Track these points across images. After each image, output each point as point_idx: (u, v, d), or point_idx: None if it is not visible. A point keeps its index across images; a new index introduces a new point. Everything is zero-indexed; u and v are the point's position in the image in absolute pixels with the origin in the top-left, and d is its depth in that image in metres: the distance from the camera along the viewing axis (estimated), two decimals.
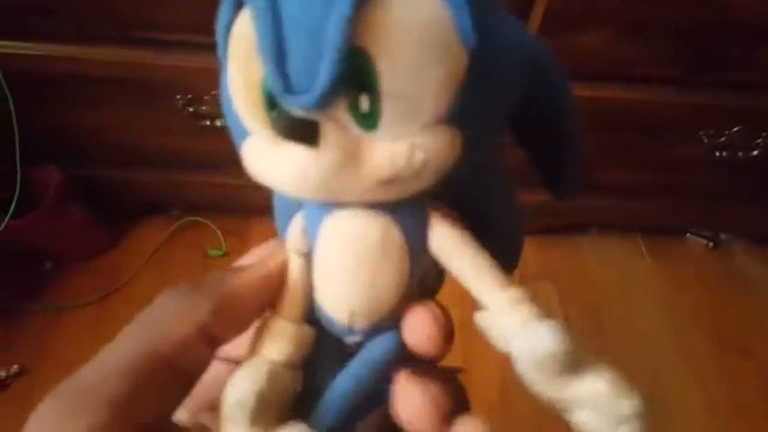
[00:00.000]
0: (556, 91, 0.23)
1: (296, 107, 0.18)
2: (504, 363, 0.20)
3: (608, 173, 1.01)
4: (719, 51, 0.79)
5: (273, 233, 0.27)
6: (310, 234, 0.23)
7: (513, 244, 0.28)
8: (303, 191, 0.20)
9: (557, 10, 0.73)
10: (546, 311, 0.21)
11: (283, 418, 0.21)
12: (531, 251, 1.17)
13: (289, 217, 0.24)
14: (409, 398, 0.22)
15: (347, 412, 0.23)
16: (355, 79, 0.17)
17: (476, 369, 0.92)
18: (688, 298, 1.13)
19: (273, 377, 0.21)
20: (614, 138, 0.93)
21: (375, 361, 0.23)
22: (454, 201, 0.23)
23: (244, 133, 0.22)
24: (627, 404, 0.20)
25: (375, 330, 0.23)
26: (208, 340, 0.21)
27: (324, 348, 0.24)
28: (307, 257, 0.23)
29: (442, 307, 0.23)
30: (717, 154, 0.91)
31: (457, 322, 0.23)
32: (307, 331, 0.23)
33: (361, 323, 0.23)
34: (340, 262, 0.22)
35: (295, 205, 0.24)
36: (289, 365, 0.22)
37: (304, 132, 0.18)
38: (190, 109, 0.86)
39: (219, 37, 0.20)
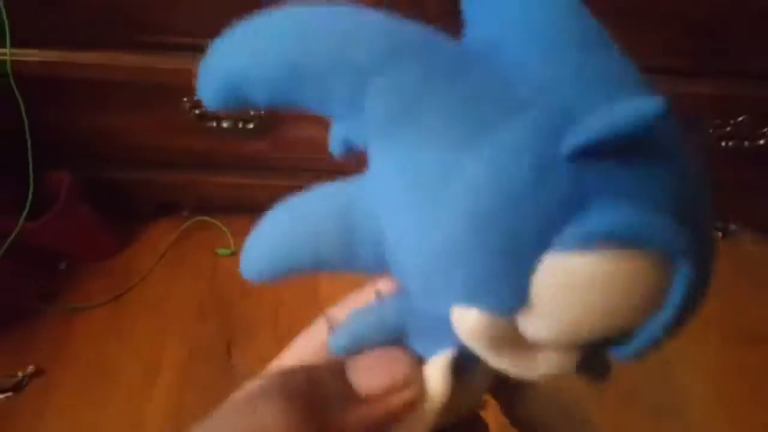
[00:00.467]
0: None
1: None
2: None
3: None
4: (722, 40, 0.78)
5: None
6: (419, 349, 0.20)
7: None
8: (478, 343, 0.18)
9: None
10: None
11: None
12: None
13: (432, 336, 0.20)
14: None
15: None
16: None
17: None
18: None
19: None
20: None
21: None
22: None
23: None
24: None
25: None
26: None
27: None
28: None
29: None
30: (723, 144, 0.91)
31: None
32: None
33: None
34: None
35: (453, 335, 0.18)
36: None
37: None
38: (197, 111, 0.87)
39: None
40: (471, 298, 0.16)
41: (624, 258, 0.15)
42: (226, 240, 1.13)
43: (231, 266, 1.10)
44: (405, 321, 0.20)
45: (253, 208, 1.22)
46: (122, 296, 1.06)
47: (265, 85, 0.17)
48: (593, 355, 0.18)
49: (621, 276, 0.15)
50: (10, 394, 0.93)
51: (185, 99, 0.85)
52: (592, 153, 0.15)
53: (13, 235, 0.91)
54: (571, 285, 0.15)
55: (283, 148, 0.94)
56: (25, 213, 0.90)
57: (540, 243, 0.15)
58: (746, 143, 0.90)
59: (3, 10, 0.73)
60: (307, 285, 1.02)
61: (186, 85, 0.83)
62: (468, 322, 0.17)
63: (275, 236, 0.20)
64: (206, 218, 1.14)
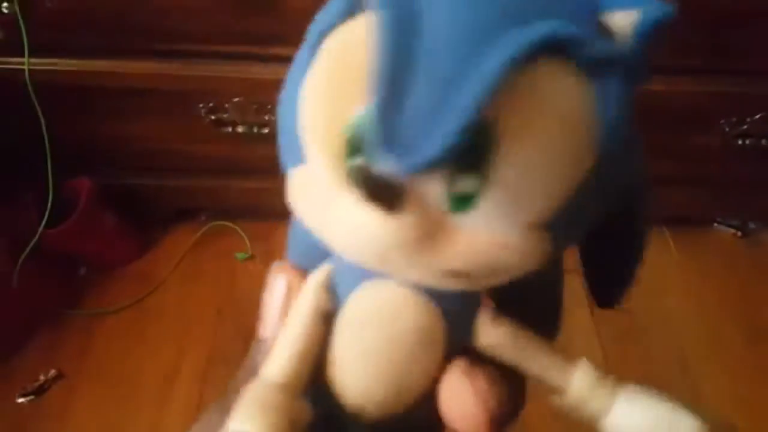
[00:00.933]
0: (636, 219, 0.20)
1: (389, 164, 0.13)
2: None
3: None
4: (736, 38, 0.78)
5: None
6: (338, 293, 0.20)
7: (557, 311, 0.25)
8: (360, 257, 0.17)
9: None
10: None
11: None
12: None
13: (308, 255, 0.21)
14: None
15: None
16: (469, 155, 0.14)
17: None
18: (718, 288, 1.11)
19: None
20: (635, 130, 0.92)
21: None
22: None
23: (298, 158, 0.18)
24: None
25: (391, 418, 0.20)
26: None
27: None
28: (327, 318, 0.20)
29: (490, 372, 0.19)
30: (740, 142, 0.90)
31: None
32: (304, 410, 0.19)
33: (375, 413, 0.20)
34: (368, 340, 0.19)
35: (323, 249, 0.19)
36: None
37: (386, 194, 0.15)
38: (213, 117, 0.88)
39: (311, 39, 0.17)
40: None
41: (555, 71, 0.14)
42: (244, 244, 1.13)
43: (249, 270, 1.10)
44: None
45: (270, 212, 1.24)
46: (142, 301, 1.07)
47: None
48: None
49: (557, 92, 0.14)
50: (32, 397, 0.94)
51: (201, 105, 0.86)
52: None
53: (34, 241, 0.93)
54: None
55: None
56: (45, 220, 0.92)
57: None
58: (763, 141, 0.89)
59: (21, 21, 0.75)
60: None
61: (201, 92, 0.84)
62: None
63: None
64: (224, 223, 1.15)
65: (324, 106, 0.16)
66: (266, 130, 0.89)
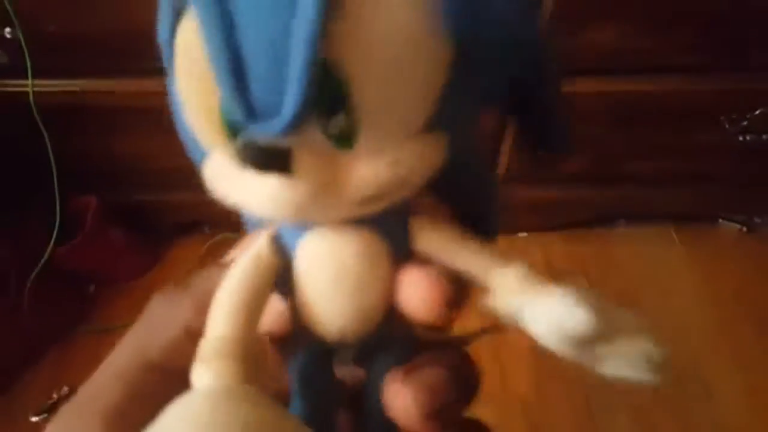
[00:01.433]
0: (542, 68, 0.20)
1: (263, 135, 0.15)
2: (538, 360, 0.19)
3: (632, 164, 1.00)
4: (735, 35, 0.78)
5: None
6: (289, 246, 0.21)
7: (492, 211, 0.25)
8: (278, 217, 0.18)
9: (569, 4, 0.73)
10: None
11: None
12: (560, 246, 1.17)
13: (259, 222, 0.23)
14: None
15: None
16: (327, 97, 0.15)
17: (509, 366, 0.92)
18: (725, 283, 1.11)
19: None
20: (636, 129, 0.92)
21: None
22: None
23: (202, 152, 0.19)
24: (658, 352, 0.19)
25: (369, 336, 0.22)
26: (195, 339, 0.19)
27: (311, 362, 0.22)
28: (272, 269, 0.21)
29: (443, 269, 0.21)
30: (741, 138, 0.90)
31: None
32: (264, 354, 0.21)
33: (353, 336, 0.21)
34: (324, 282, 0.21)
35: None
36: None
37: (274, 161, 0.16)
38: None
39: (162, 46, 0.18)
40: None
41: None
42: None
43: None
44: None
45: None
46: None
47: None
48: None
49: None
50: (45, 415, 0.95)
51: None
52: None
53: (43, 260, 0.94)
54: None
55: None
56: (53, 238, 0.93)
57: None
58: (764, 136, 0.90)
59: (23, 43, 0.76)
60: None
61: None
62: None
63: None
64: (230, 235, 1.16)
65: (192, 102, 0.17)
66: None
